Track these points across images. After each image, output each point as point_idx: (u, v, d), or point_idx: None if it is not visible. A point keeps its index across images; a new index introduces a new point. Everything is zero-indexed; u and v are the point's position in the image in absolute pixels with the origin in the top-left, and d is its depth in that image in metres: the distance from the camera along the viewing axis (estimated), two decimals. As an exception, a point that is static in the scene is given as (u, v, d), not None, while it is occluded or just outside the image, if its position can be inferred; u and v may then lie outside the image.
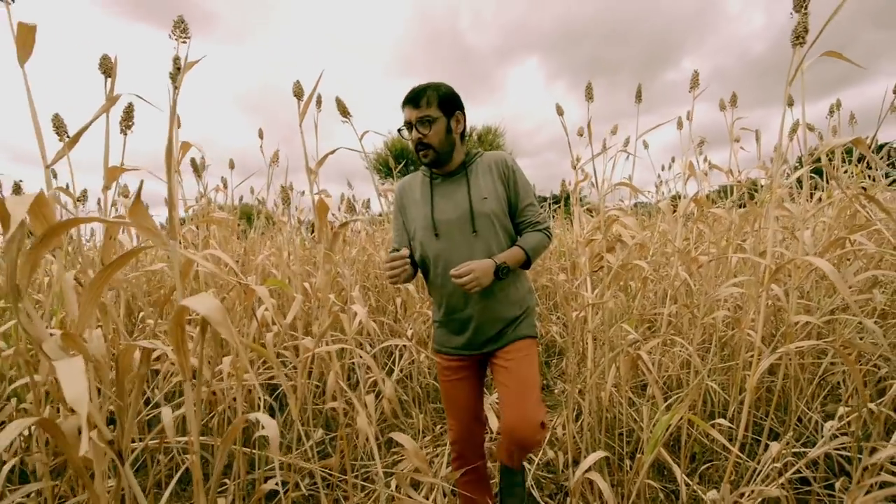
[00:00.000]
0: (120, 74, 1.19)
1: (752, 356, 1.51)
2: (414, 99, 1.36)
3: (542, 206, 5.48)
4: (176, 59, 1.12)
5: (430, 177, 1.48)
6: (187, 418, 0.77)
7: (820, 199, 2.42)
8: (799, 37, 1.04)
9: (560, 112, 1.96)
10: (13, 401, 1.50)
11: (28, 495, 1.32)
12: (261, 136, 1.43)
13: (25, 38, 0.88)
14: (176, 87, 0.94)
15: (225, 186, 2.87)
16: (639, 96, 1.85)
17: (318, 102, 1.74)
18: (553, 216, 5.50)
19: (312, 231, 4.03)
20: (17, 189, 2.02)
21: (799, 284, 1.59)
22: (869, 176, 2.57)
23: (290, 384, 1.35)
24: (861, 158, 2.38)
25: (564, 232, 4.59)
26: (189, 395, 0.76)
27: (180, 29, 1.60)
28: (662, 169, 4.45)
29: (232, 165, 2.56)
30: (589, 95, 1.76)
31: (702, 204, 2.06)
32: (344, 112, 1.85)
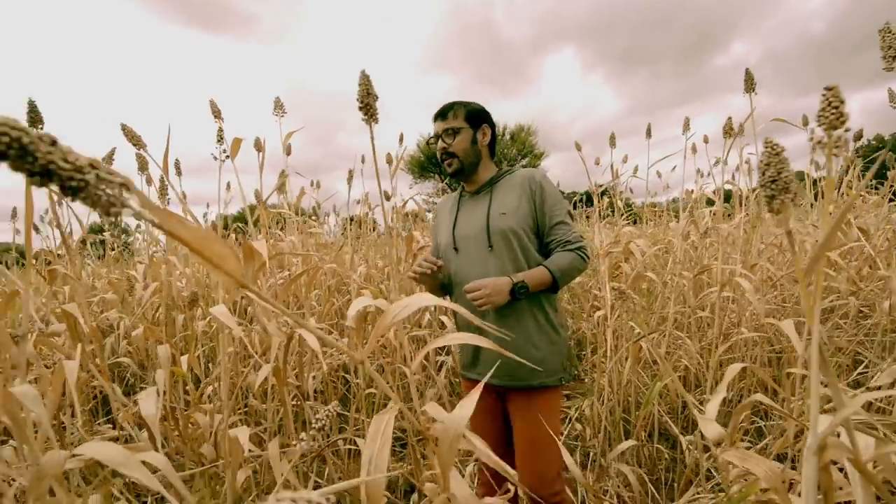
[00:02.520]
0: (176, 78, 1.50)
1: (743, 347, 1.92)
2: (442, 113, 1.42)
3: (572, 207, 5.10)
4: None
5: (460, 194, 1.52)
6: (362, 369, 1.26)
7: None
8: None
9: (579, 147, 2.38)
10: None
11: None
12: (350, 177, 1.87)
13: (236, 146, 1.41)
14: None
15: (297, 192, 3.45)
16: (648, 133, 2.25)
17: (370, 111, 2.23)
18: (587, 217, 5.44)
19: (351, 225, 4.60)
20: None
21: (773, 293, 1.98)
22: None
23: (386, 360, 1.86)
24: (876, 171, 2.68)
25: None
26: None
27: (278, 106, 2.12)
28: (700, 175, 4.76)
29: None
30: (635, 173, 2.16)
31: (699, 224, 2.44)
32: None
